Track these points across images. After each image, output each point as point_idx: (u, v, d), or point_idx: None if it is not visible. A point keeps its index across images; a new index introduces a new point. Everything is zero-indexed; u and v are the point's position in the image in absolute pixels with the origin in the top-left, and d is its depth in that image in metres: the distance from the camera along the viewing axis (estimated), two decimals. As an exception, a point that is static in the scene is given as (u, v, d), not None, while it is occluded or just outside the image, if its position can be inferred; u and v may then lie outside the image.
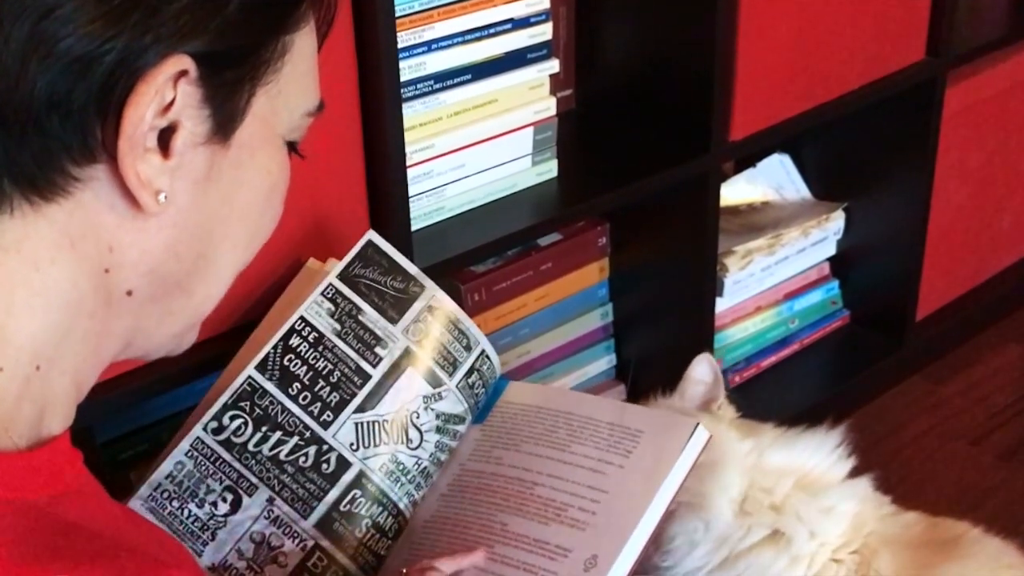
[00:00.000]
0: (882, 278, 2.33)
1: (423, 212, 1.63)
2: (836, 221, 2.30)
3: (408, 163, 1.52)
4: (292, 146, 0.86)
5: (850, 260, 2.35)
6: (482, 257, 1.78)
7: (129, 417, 1.52)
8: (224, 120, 0.77)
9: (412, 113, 1.57)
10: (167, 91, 0.73)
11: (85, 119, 0.72)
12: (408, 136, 1.52)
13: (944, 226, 2.32)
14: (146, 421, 1.53)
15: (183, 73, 0.73)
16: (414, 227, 1.57)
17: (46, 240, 0.74)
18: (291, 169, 0.86)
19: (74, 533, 0.73)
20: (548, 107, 1.74)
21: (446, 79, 1.61)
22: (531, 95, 1.72)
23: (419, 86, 1.58)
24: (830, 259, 2.35)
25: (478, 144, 1.67)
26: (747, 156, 2.25)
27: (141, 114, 0.72)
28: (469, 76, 1.64)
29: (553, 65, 1.72)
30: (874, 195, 2.28)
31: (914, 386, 2.38)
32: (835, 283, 2.37)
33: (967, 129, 2.28)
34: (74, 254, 0.75)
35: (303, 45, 0.82)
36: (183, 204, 0.78)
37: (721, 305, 2.13)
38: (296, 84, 0.82)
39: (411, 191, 1.56)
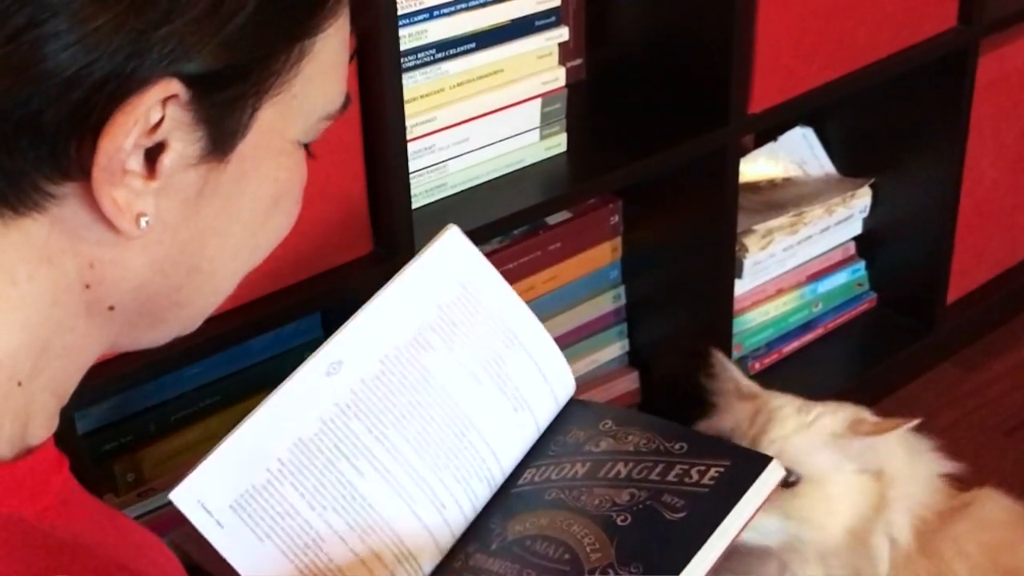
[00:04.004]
0: (911, 258, 2.32)
1: (424, 189, 1.62)
2: (862, 198, 2.30)
3: (408, 137, 1.51)
4: (306, 146, 0.85)
5: (877, 239, 2.35)
6: (487, 237, 1.77)
7: (113, 406, 1.51)
8: (221, 139, 0.75)
9: (412, 84, 1.57)
10: (153, 113, 0.70)
11: (57, 142, 0.69)
12: (408, 108, 1.52)
13: (977, 203, 2.31)
14: (129, 411, 1.53)
15: (172, 96, 0.70)
16: (415, 205, 1.56)
17: (22, 254, 0.73)
18: None
19: (66, 550, 0.73)
20: (557, 77, 1.73)
21: (449, 48, 1.60)
22: (539, 64, 1.71)
23: (420, 55, 1.57)
24: (856, 238, 2.35)
25: (483, 117, 1.67)
26: (768, 129, 2.23)
27: (118, 144, 0.69)
28: (473, 44, 1.63)
29: (562, 33, 1.72)
30: (902, 171, 2.27)
31: (945, 373, 2.37)
32: (861, 264, 2.36)
33: (1001, 101, 2.27)
34: (52, 269, 0.74)
35: (327, 45, 0.78)
36: (171, 222, 0.76)
37: (740, 287, 2.12)
38: (315, 87, 0.79)
39: (412, 167, 1.55)
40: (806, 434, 1.38)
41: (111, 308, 0.78)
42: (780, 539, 1.33)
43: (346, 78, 0.83)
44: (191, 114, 0.72)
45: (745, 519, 1.15)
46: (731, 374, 1.46)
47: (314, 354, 1.13)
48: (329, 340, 1.13)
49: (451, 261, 1.22)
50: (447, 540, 1.16)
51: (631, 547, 1.12)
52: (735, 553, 1.32)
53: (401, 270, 1.19)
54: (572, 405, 1.30)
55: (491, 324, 1.23)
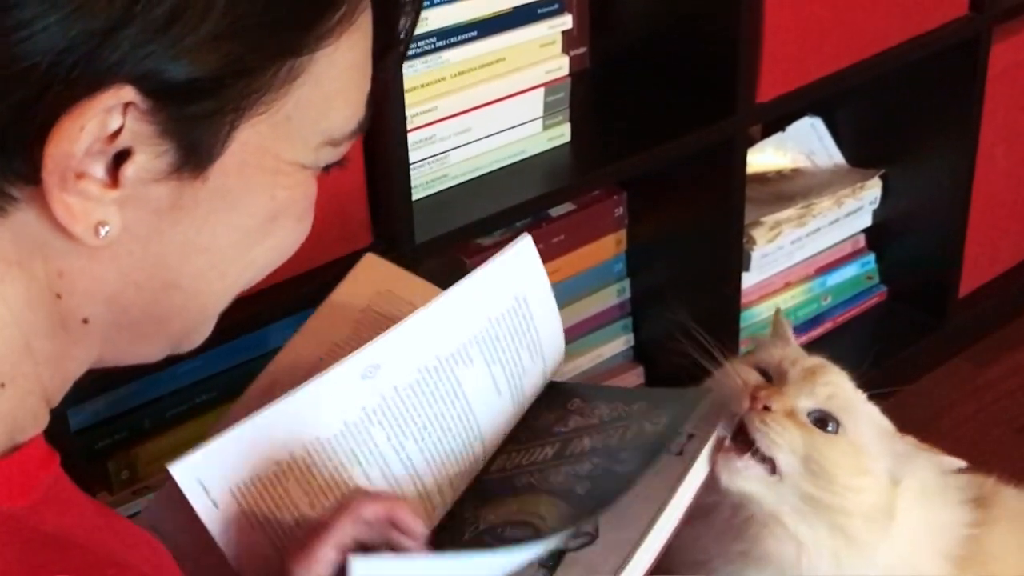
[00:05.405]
0: (922, 251, 2.32)
1: (425, 180, 1.62)
2: (872, 190, 2.29)
3: (408, 127, 1.51)
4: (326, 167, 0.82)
5: (887, 232, 2.34)
6: (489, 229, 1.77)
7: (107, 402, 1.51)
8: (192, 154, 0.72)
9: (413, 73, 1.56)
10: (111, 120, 0.68)
11: (5, 143, 0.68)
12: (408, 98, 1.51)
13: (989, 194, 2.31)
14: (124, 407, 1.53)
15: (129, 104, 0.68)
16: (415, 196, 1.56)
17: None
18: None
19: (56, 546, 0.73)
20: (560, 66, 1.73)
21: (450, 36, 1.60)
22: (542, 53, 1.71)
23: (420, 43, 1.57)
24: (866, 231, 2.34)
25: (485, 106, 1.66)
26: (776, 119, 2.24)
27: (65, 150, 0.68)
28: (475, 32, 1.62)
29: (566, 21, 1.71)
30: (913, 161, 2.27)
31: (956, 368, 2.37)
32: (871, 256, 2.36)
33: (1014, 89, 2.27)
34: (23, 274, 0.73)
35: (331, 64, 0.75)
36: (141, 234, 0.74)
37: (748, 281, 2.12)
38: (316, 109, 0.76)
39: (412, 157, 1.55)
40: (861, 402, 1.37)
41: (85, 321, 0.77)
42: (793, 493, 1.29)
43: (361, 103, 0.80)
44: (154, 126, 0.70)
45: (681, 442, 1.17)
46: (793, 340, 1.45)
47: (353, 354, 1.09)
48: (373, 341, 1.09)
49: (514, 274, 1.20)
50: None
51: (586, 511, 1.13)
52: (745, 523, 1.31)
53: (467, 276, 1.15)
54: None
55: (529, 339, 1.22)
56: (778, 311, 1.53)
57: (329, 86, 0.76)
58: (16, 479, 0.75)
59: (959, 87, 2.17)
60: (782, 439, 1.25)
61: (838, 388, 1.34)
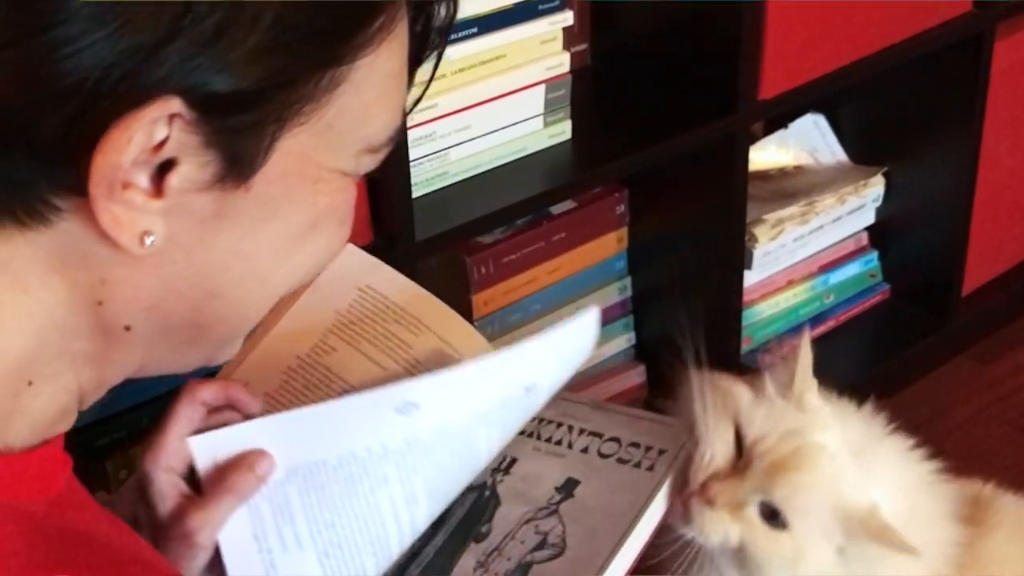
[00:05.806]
0: (925, 249, 2.32)
1: (425, 178, 1.62)
2: (875, 187, 2.29)
3: (408, 124, 1.51)
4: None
5: (890, 229, 2.34)
6: (490, 226, 1.77)
7: (105, 401, 1.50)
8: (235, 164, 0.73)
9: (412, 69, 1.56)
10: (157, 131, 0.69)
11: (53, 155, 0.69)
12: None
13: (993, 192, 2.30)
14: (123, 406, 1.53)
15: (176, 115, 0.69)
16: (415, 194, 1.56)
17: (35, 263, 0.73)
18: None
19: (83, 542, 0.74)
20: (561, 63, 1.73)
21: (450, 32, 1.59)
22: (543, 50, 1.70)
23: (420, 40, 1.57)
24: (869, 228, 2.34)
25: (485, 103, 1.66)
26: (778, 116, 2.23)
27: (113, 162, 0.69)
28: (475, 29, 1.63)
29: (567, 17, 1.71)
30: (916, 159, 2.27)
31: (960, 366, 2.37)
32: (874, 254, 2.36)
33: (1018, 86, 2.27)
34: (65, 281, 0.74)
35: (371, 72, 0.76)
36: (186, 243, 0.75)
37: (750, 279, 2.12)
38: (356, 117, 0.77)
39: (412, 154, 1.55)
40: (825, 491, 1.31)
41: (127, 328, 0.77)
42: (728, 554, 1.28)
43: (398, 109, 0.81)
44: (198, 137, 0.71)
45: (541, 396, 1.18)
46: (805, 366, 1.38)
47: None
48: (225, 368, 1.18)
49: (345, 272, 1.22)
50: None
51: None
52: (683, 552, 1.29)
53: (307, 292, 1.20)
54: None
55: (393, 316, 1.23)
56: (807, 337, 1.44)
57: (368, 94, 0.77)
58: (40, 475, 0.76)
59: (963, 84, 2.17)
60: (715, 533, 1.22)
61: (801, 488, 1.28)
